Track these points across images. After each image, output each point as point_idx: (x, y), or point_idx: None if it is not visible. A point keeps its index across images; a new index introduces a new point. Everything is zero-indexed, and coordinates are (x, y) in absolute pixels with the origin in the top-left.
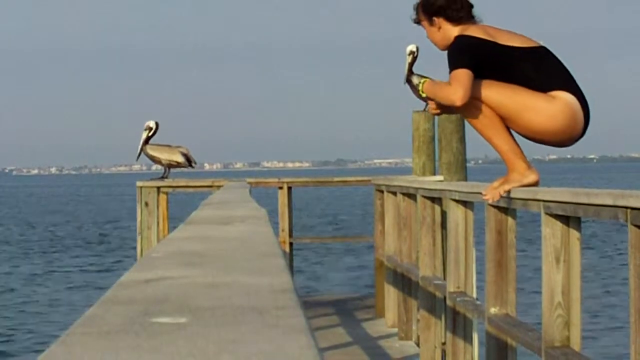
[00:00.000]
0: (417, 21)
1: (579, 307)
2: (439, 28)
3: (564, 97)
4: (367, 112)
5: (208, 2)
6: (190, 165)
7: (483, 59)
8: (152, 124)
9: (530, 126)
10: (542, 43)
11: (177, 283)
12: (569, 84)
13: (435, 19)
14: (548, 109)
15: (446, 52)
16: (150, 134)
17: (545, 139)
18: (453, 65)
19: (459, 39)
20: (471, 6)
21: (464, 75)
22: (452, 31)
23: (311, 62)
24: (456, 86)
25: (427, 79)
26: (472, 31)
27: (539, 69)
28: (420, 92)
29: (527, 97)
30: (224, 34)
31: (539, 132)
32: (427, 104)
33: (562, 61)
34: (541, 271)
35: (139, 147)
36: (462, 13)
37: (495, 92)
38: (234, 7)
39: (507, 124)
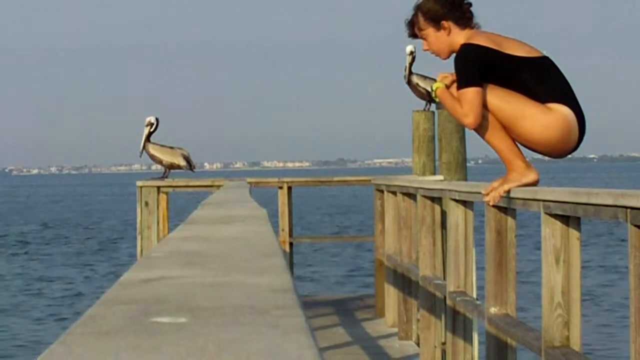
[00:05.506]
0: (414, 34)
1: (579, 307)
2: (449, 32)
3: (560, 110)
4: (367, 112)
5: (208, 1)
6: (191, 169)
7: (487, 67)
8: (152, 119)
9: (524, 134)
10: (545, 53)
11: (177, 283)
12: (567, 97)
13: (444, 22)
14: (543, 119)
15: (445, 60)
16: (152, 130)
17: (537, 148)
18: (463, 81)
19: (466, 47)
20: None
21: (474, 96)
22: (459, 36)
23: (311, 61)
24: (468, 109)
25: (440, 85)
26: (479, 39)
27: (539, 80)
28: (434, 97)
29: (524, 105)
30: (224, 33)
31: (531, 140)
32: (427, 104)
33: (564, 74)
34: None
35: (142, 143)
36: (468, 14)
37: (494, 97)
38: (234, 7)
39: None
